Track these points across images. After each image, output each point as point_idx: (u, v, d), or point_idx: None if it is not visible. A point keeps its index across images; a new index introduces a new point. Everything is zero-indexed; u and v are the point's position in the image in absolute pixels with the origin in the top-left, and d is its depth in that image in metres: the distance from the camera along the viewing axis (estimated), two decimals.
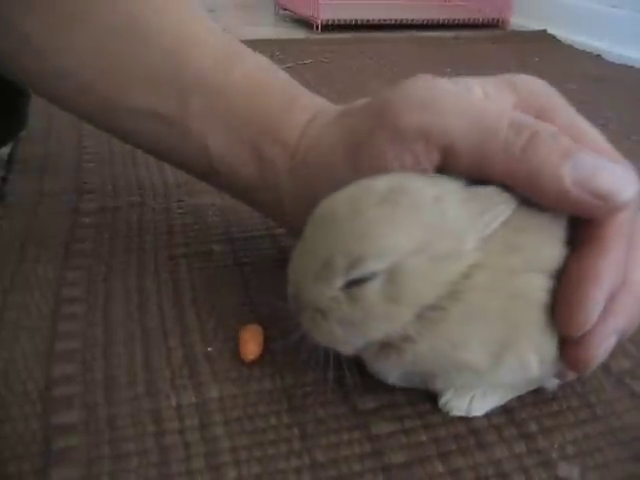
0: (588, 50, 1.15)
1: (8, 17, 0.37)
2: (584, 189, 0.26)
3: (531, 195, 0.27)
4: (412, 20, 1.32)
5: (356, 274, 0.26)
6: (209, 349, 0.34)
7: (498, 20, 1.38)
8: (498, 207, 0.27)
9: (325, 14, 1.25)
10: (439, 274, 0.26)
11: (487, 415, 0.31)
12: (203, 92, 0.36)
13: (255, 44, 1.05)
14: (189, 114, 0.36)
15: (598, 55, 1.13)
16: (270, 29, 1.32)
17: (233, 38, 0.40)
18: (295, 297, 0.28)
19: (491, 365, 0.27)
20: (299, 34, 1.26)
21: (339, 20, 1.27)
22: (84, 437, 0.29)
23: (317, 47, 1.10)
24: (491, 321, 0.27)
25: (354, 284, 0.26)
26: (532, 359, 0.28)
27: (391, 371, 0.29)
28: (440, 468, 0.28)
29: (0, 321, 0.36)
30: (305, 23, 1.32)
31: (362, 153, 0.30)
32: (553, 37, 1.24)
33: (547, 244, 0.27)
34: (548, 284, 0.27)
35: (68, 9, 0.36)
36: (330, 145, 0.33)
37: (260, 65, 0.39)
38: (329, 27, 1.26)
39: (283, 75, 0.39)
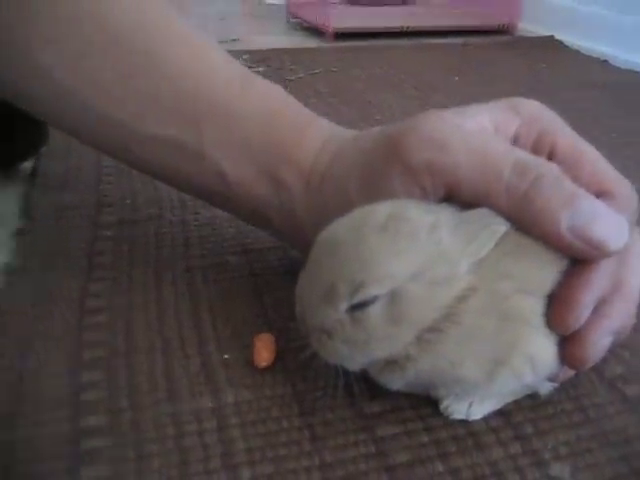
0: (595, 56, 1.16)
1: (26, 49, 0.38)
2: (578, 237, 0.28)
3: (530, 233, 0.29)
4: (421, 27, 1.34)
5: (359, 298, 0.28)
6: (225, 356, 0.37)
7: (506, 26, 1.39)
8: (489, 232, 0.29)
9: (336, 23, 1.27)
10: (436, 298, 0.28)
11: (485, 418, 0.33)
12: (218, 119, 0.38)
13: (266, 53, 1.08)
14: (204, 141, 0.38)
15: (605, 61, 1.14)
16: (282, 38, 1.34)
17: (241, 65, 0.42)
18: (303, 319, 0.30)
19: (486, 380, 0.30)
20: (310, 42, 1.29)
21: (350, 28, 1.29)
22: (110, 439, 0.31)
23: (328, 56, 1.13)
24: (485, 341, 0.29)
25: (357, 307, 0.28)
26: (525, 373, 0.30)
27: (395, 381, 0.31)
28: (440, 468, 0.30)
29: (30, 331, 0.39)
30: (316, 31, 1.34)
31: (375, 184, 0.33)
32: (560, 43, 1.25)
33: (536, 267, 0.29)
34: (538, 304, 0.29)
35: (87, 39, 0.38)
36: (344, 174, 0.35)
37: (271, 91, 0.41)
38: (340, 35, 1.28)
39: (292, 100, 0.41)
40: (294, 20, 1.47)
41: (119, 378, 0.35)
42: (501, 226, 0.29)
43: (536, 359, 0.29)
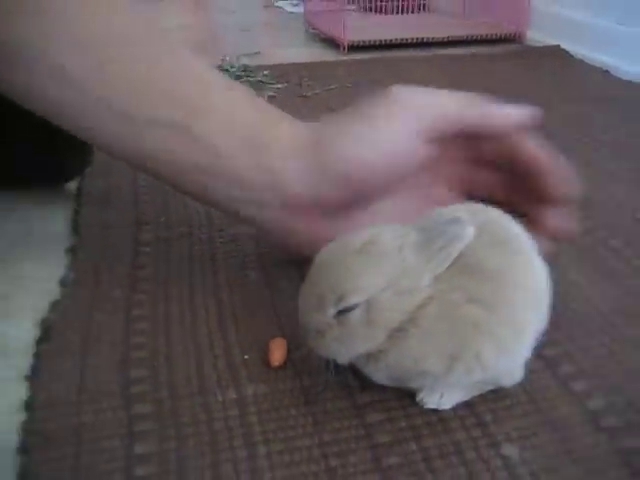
0: (597, 65, 1.22)
1: (44, 47, 0.44)
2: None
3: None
4: (433, 38, 1.41)
5: (342, 306, 0.36)
6: (245, 357, 0.45)
7: (516, 35, 1.45)
8: (446, 253, 0.37)
9: (351, 36, 1.35)
10: (401, 305, 0.36)
11: (453, 408, 0.41)
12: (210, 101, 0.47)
13: (285, 69, 1.15)
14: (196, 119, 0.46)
15: (606, 71, 1.20)
16: (300, 50, 1.42)
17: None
18: (302, 324, 0.38)
19: (445, 372, 0.37)
20: (327, 54, 1.36)
21: (364, 41, 1.37)
22: (155, 423, 0.40)
23: (343, 70, 1.20)
24: (441, 340, 0.37)
25: (341, 313, 0.36)
26: (475, 368, 0.37)
27: (376, 374, 0.40)
28: (414, 447, 0.38)
29: (86, 336, 0.47)
30: (333, 42, 1.41)
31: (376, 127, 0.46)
32: (566, 52, 1.31)
33: (482, 281, 0.37)
34: (484, 312, 0.37)
35: (103, 43, 0.45)
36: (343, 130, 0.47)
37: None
38: (355, 47, 1.35)
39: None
40: (312, 31, 1.55)
41: (160, 374, 0.44)
42: (456, 247, 0.37)
43: (483, 357, 0.37)
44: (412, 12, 1.70)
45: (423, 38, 1.40)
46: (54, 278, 0.56)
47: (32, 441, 0.39)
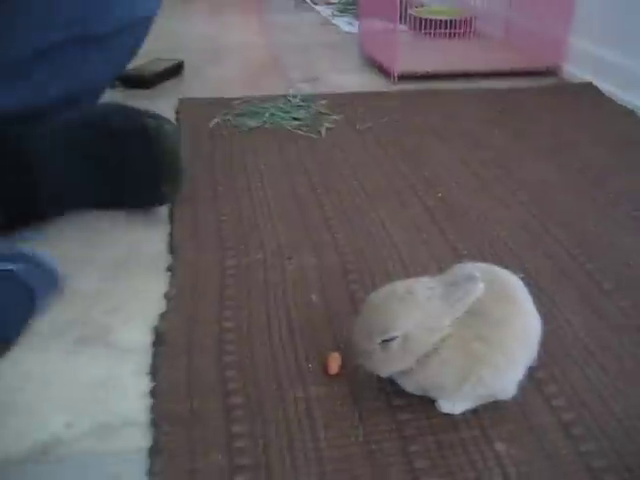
0: (626, 106, 1.34)
1: None
2: None
3: None
4: (477, 71, 1.54)
5: (385, 337, 0.51)
6: (309, 366, 0.61)
7: (553, 68, 1.57)
8: (463, 303, 0.51)
9: (401, 67, 1.49)
10: (428, 339, 0.51)
11: (462, 413, 0.55)
12: None
13: (341, 100, 1.29)
14: None
15: (632, 111, 1.32)
16: (354, 76, 1.56)
17: None
18: (356, 348, 0.54)
19: (456, 388, 0.52)
20: (379, 82, 1.50)
21: (414, 72, 1.50)
22: (248, 410, 0.56)
23: (393, 102, 1.34)
24: (455, 366, 0.52)
25: (385, 342, 0.51)
26: (479, 387, 0.52)
27: (407, 385, 0.55)
28: (431, 439, 0.53)
29: (188, 342, 0.64)
30: (384, 69, 1.55)
31: None
32: (597, 90, 1.43)
33: (486, 325, 0.52)
34: (488, 347, 0.51)
35: None
36: None
37: None
38: (404, 77, 1.49)
39: None
40: (366, 56, 1.69)
41: (247, 375, 0.59)
42: (470, 299, 0.51)
43: (484, 379, 0.52)
44: (459, 37, 1.83)
45: (468, 70, 1.53)
46: (159, 292, 0.72)
47: (158, 419, 0.55)
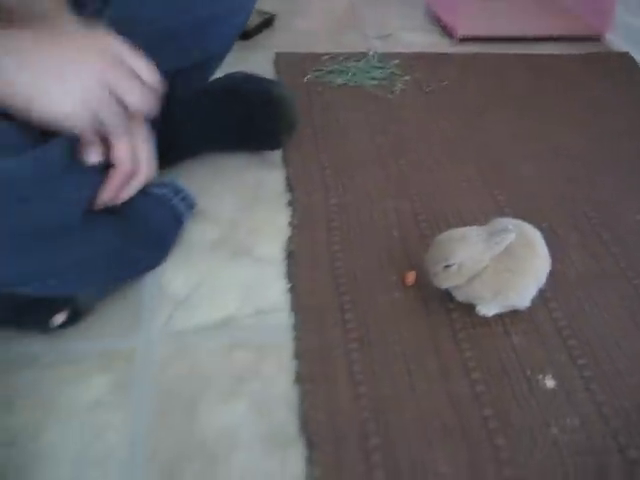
0: None
1: None
2: None
3: None
4: (534, 35, 1.75)
5: (447, 263, 0.81)
6: (393, 278, 0.91)
7: (597, 35, 1.78)
8: (500, 245, 0.80)
9: (463, 29, 1.71)
10: (475, 267, 0.81)
11: (493, 315, 0.86)
12: None
13: (412, 58, 1.54)
14: None
15: None
16: (421, 35, 1.79)
17: None
18: (427, 269, 0.84)
19: (491, 298, 0.82)
20: (443, 43, 1.74)
21: (474, 36, 1.73)
22: (353, 304, 0.87)
23: (454, 64, 1.58)
24: (491, 285, 0.81)
25: (446, 267, 0.81)
26: (506, 298, 0.82)
27: (458, 295, 0.85)
28: (472, 331, 0.84)
29: (310, 259, 0.94)
30: (447, 29, 1.78)
31: None
32: (633, 60, 1.65)
33: (513, 260, 0.81)
34: (511, 275, 0.81)
35: None
36: None
37: None
38: (465, 39, 1.72)
39: None
40: (431, 15, 1.91)
41: (351, 280, 0.90)
42: (504, 243, 0.80)
43: (509, 294, 0.82)
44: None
45: (525, 35, 1.75)
46: (284, 221, 1.02)
47: (295, 307, 0.86)
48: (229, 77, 1.17)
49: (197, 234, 0.99)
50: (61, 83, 0.67)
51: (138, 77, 0.72)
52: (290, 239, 0.98)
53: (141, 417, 0.75)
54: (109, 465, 0.70)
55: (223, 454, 0.71)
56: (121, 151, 0.76)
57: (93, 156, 0.74)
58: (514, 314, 0.86)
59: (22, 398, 0.77)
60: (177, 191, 0.99)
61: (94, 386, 0.78)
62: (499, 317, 0.86)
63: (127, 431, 0.73)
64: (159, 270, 0.93)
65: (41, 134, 0.69)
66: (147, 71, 0.72)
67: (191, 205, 1.00)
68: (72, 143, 0.72)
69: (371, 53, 1.59)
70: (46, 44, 0.67)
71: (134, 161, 0.78)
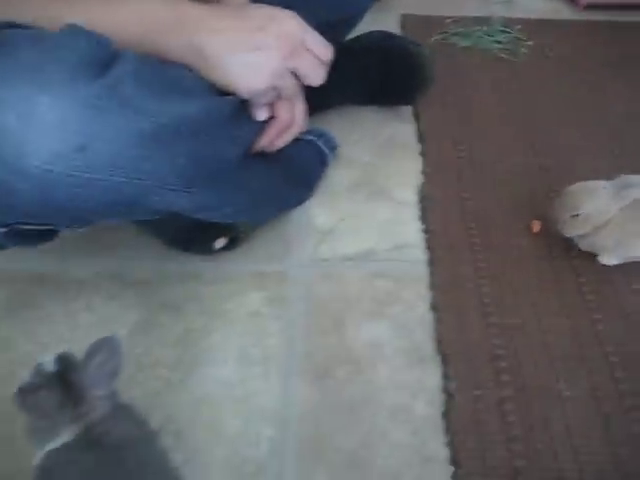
0: None
1: None
2: None
3: None
4: None
5: (574, 213, 0.88)
6: (519, 227, 0.98)
7: None
8: (626, 199, 0.87)
9: None
10: (601, 217, 0.87)
11: (615, 265, 0.92)
12: None
13: (534, 24, 1.57)
14: None
15: None
16: (541, 1, 1.81)
17: None
18: (555, 218, 0.91)
19: (612, 249, 0.89)
20: (566, 10, 1.76)
21: (598, 2, 1.74)
22: (483, 253, 0.95)
23: (576, 32, 1.61)
24: (615, 236, 0.88)
25: (574, 216, 0.88)
26: (627, 250, 0.89)
27: (582, 244, 0.92)
28: (592, 277, 0.91)
29: (440, 202, 1.03)
30: None
31: None
32: None
33: (636, 212, 0.87)
34: (635, 225, 0.87)
35: None
36: None
37: None
38: (591, 6, 1.73)
39: None
40: None
41: (480, 222, 0.98)
42: (629, 198, 0.86)
43: (631, 245, 0.88)
44: None
45: None
46: (417, 169, 1.11)
47: (430, 245, 0.95)
48: (368, 35, 1.26)
49: (338, 177, 1.09)
50: (255, 70, 0.77)
51: (316, 56, 0.81)
52: (423, 185, 1.07)
53: (295, 327, 0.86)
54: (269, 364, 0.82)
55: (369, 363, 0.81)
56: (283, 107, 0.86)
57: (262, 114, 0.84)
58: (634, 265, 0.92)
59: (188, 307, 0.90)
60: (320, 135, 1.10)
61: (251, 300, 0.90)
62: (620, 267, 0.92)
63: (284, 337, 0.85)
64: (306, 206, 1.03)
65: None
66: (324, 49, 0.82)
67: (333, 147, 1.10)
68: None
69: (495, 17, 1.64)
70: (239, 24, 0.77)
71: (291, 115, 0.88)
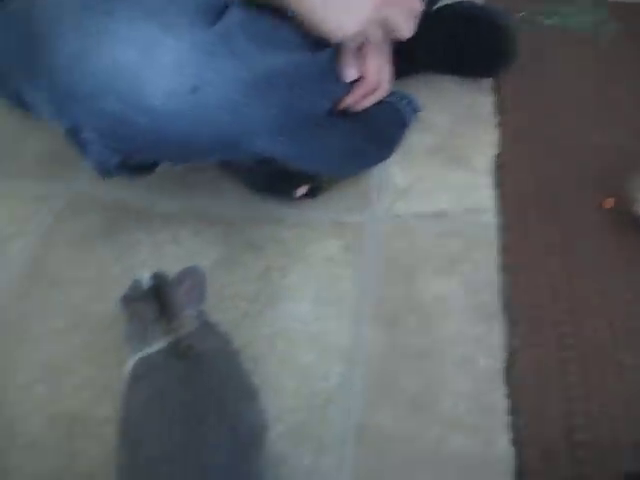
0: None
1: None
2: None
3: None
4: None
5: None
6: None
7: None
8: None
9: None
10: None
11: None
12: None
13: (619, 8, 1.56)
14: None
15: None
16: None
17: None
18: (630, 196, 0.93)
19: None
20: None
21: None
22: (552, 223, 0.97)
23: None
24: None
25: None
26: None
27: None
28: None
29: (514, 171, 1.05)
30: None
31: None
32: None
33: None
34: None
35: None
36: None
37: None
38: None
39: None
40: None
41: (550, 187, 1.01)
42: None
43: None
44: None
45: None
46: (493, 139, 1.13)
47: (503, 208, 0.98)
48: (457, 5, 1.27)
49: (417, 140, 1.13)
50: (349, 13, 0.79)
51: (409, 8, 0.84)
52: (499, 155, 1.09)
53: (369, 274, 0.91)
54: (343, 306, 0.87)
55: (438, 315, 0.86)
56: (371, 69, 0.89)
57: (351, 73, 0.88)
58: None
59: (270, 247, 0.95)
60: (403, 97, 1.13)
61: (328, 246, 0.95)
62: None
63: (357, 282, 0.90)
64: (385, 164, 1.07)
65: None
66: (416, 1, 0.85)
67: (415, 109, 1.13)
68: (336, 55, 0.86)
69: None
70: None
71: (378, 78, 0.91)
